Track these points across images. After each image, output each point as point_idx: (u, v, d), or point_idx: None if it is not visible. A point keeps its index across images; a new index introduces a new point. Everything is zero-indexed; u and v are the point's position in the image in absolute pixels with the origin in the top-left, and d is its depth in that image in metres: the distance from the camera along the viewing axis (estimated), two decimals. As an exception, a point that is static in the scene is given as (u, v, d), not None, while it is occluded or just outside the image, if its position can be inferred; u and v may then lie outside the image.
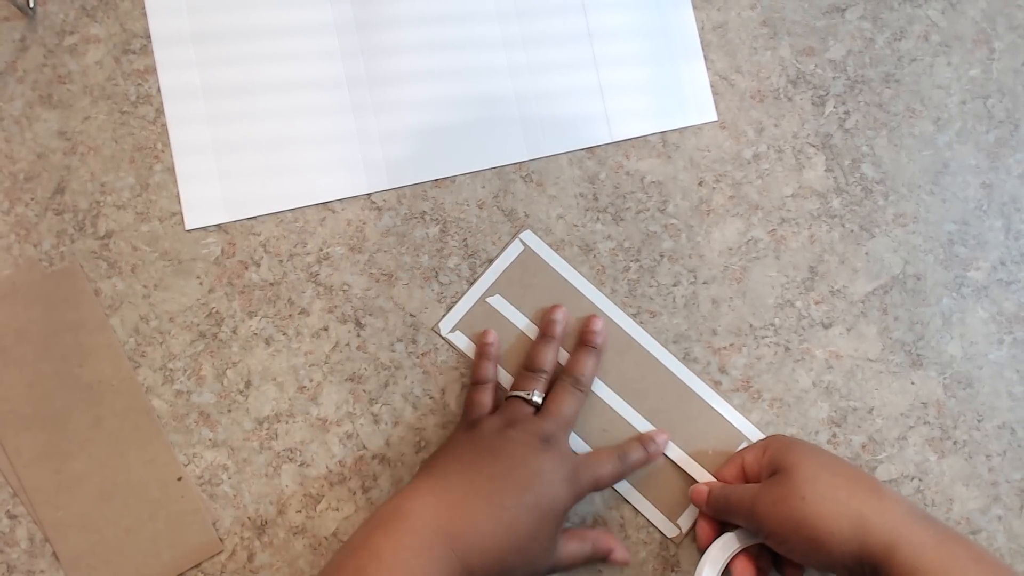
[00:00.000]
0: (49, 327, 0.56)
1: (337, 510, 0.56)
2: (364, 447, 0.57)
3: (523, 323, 0.59)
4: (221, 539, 0.56)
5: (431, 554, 0.47)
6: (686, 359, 0.59)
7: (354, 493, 0.57)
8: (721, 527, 0.55)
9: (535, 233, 0.60)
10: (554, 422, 0.54)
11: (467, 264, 0.59)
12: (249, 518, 0.56)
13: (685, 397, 0.58)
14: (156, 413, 0.57)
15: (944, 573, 0.45)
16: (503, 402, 0.56)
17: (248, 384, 0.57)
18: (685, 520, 0.57)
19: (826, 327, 0.59)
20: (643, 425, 0.58)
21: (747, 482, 0.54)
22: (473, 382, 0.57)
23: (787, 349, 0.59)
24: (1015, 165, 0.61)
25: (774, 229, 0.60)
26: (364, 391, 0.58)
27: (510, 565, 0.49)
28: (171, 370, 0.57)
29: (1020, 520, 0.58)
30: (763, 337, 0.59)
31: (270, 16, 0.60)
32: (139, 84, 0.59)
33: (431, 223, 0.59)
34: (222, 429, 0.57)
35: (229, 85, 0.59)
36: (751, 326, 0.59)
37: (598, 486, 0.54)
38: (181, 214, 0.58)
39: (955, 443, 0.58)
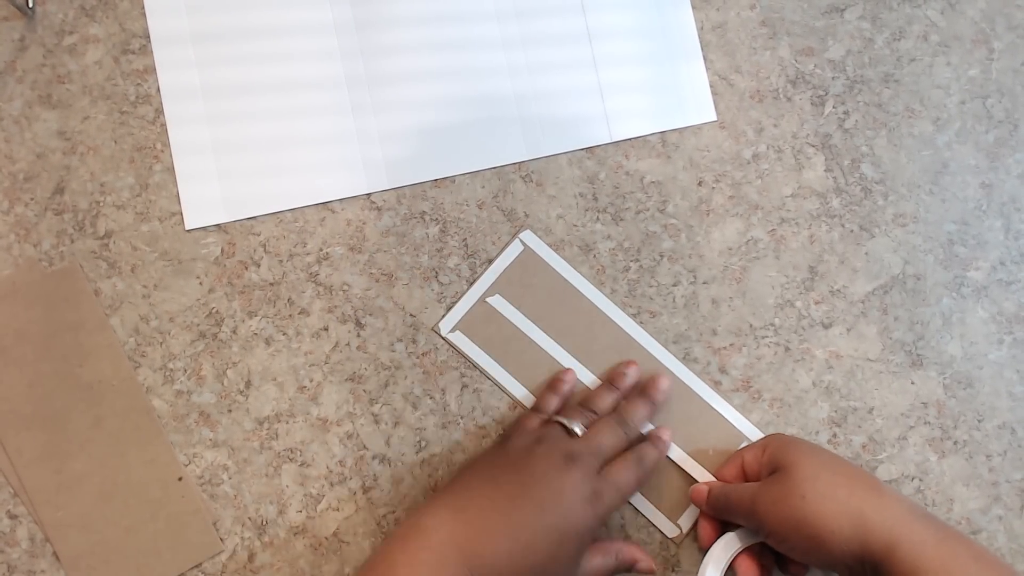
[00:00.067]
0: (49, 327, 0.56)
1: (338, 510, 0.56)
2: (364, 447, 0.57)
3: (523, 323, 0.59)
4: (221, 539, 0.56)
5: (446, 571, 0.47)
6: (686, 359, 0.59)
7: (354, 493, 0.57)
8: (723, 526, 0.55)
9: (535, 233, 0.60)
10: (584, 446, 0.52)
11: (467, 264, 0.59)
12: (250, 518, 0.56)
13: (685, 397, 0.58)
14: (156, 413, 0.57)
15: (945, 571, 0.45)
16: (546, 425, 0.55)
17: (248, 384, 0.57)
18: (686, 520, 0.57)
19: (826, 327, 0.59)
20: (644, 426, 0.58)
21: (747, 481, 0.54)
22: (531, 408, 0.57)
23: (787, 349, 0.59)
24: (1015, 165, 0.61)
25: (774, 229, 0.60)
26: (364, 391, 0.58)
27: None
28: (171, 370, 0.57)
29: (1021, 520, 0.58)
30: (763, 337, 0.59)
31: (270, 16, 0.60)
32: (138, 84, 0.59)
33: (431, 223, 0.59)
34: (222, 429, 0.57)
35: (229, 85, 0.59)
36: (751, 326, 0.59)
37: (623, 498, 0.53)
38: (181, 214, 0.58)
39: (955, 443, 0.58)
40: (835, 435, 0.58)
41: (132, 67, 0.59)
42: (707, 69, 0.61)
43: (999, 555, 0.57)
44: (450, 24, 0.61)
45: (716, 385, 0.59)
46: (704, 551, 0.54)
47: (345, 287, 0.58)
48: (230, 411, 0.57)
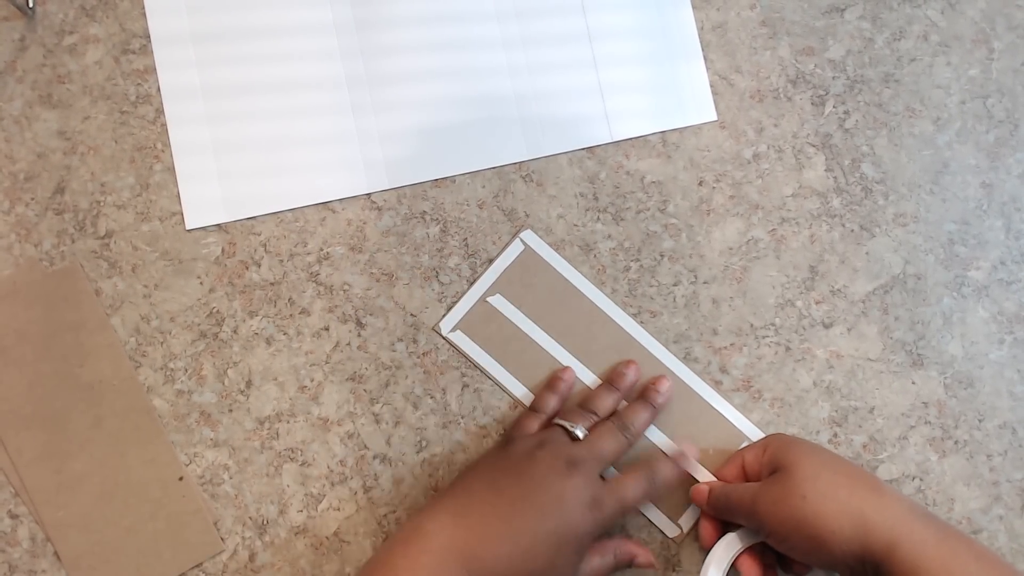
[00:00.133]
0: (49, 327, 0.56)
1: (338, 510, 0.56)
2: (365, 447, 0.57)
3: (524, 323, 0.59)
4: (222, 539, 0.56)
5: (446, 575, 0.47)
6: (687, 359, 0.59)
7: (355, 493, 0.57)
8: (724, 526, 0.55)
9: (535, 233, 0.60)
10: (587, 451, 0.52)
11: (467, 264, 0.59)
12: (250, 518, 0.56)
13: (686, 397, 0.58)
14: (157, 413, 0.57)
15: (945, 571, 0.45)
16: (547, 427, 0.55)
17: (249, 384, 0.57)
18: (686, 520, 0.57)
19: (827, 327, 0.59)
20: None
21: (748, 481, 0.54)
22: (530, 407, 0.57)
23: (788, 349, 0.59)
24: (1015, 165, 0.61)
25: (774, 229, 0.60)
26: (365, 391, 0.58)
27: None
28: (172, 370, 0.57)
29: (1021, 520, 0.58)
30: (764, 337, 0.59)
31: (270, 16, 0.60)
32: (139, 84, 0.59)
33: (431, 223, 0.59)
34: (223, 429, 0.57)
35: (229, 85, 0.59)
36: (752, 326, 0.59)
37: (625, 510, 0.53)
38: (181, 214, 0.58)
39: (956, 443, 0.58)
40: (836, 435, 0.58)
41: (132, 67, 0.59)
42: (707, 69, 0.62)
43: (1000, 555, 0.57)
44: (450, 24, 0.61)
45: (717, 385, 0.59)
46: (705, 551, 0.54)
47: (346, 287, 0.58)
48: (231, 411, 0.57)
